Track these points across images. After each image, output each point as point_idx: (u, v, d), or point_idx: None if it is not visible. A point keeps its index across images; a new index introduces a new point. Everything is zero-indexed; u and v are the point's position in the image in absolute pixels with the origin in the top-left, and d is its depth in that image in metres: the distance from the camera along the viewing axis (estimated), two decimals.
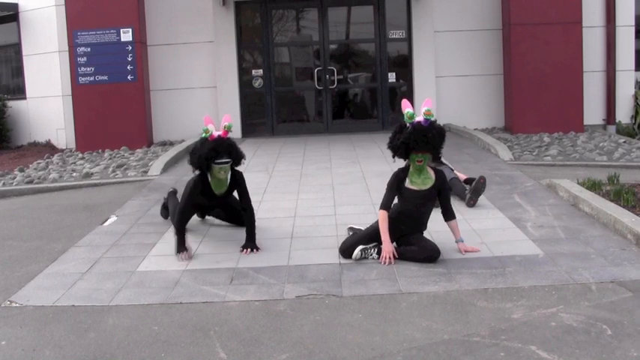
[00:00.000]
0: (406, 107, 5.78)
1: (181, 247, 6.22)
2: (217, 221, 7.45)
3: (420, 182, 5.83)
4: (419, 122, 5.66)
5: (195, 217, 7.35)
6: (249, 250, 6.30)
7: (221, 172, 6.40)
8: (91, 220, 7.91)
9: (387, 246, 5.80)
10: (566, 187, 7.90)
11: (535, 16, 12.94)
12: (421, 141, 5.61)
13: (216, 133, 6.39)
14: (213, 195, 6.64)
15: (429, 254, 5.74)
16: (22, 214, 8.71)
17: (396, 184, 5.89)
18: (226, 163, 6.35)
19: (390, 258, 5.75)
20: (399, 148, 5.75)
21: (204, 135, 6.38)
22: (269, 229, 7.06)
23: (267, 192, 8.97)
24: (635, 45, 14.29)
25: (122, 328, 4.67)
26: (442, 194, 5.94)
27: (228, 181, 6.63)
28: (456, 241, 6.00)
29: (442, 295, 5.06)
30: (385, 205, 5.91)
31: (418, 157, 5.70)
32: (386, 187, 5.97)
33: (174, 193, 7.67)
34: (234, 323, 4.67)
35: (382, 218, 5.88)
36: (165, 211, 7.70)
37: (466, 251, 5.93)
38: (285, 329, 4.54)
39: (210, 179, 6.52)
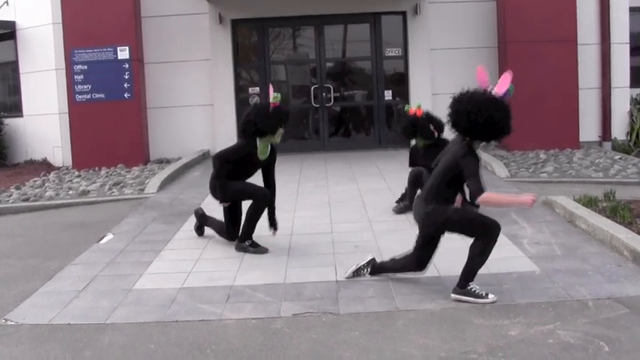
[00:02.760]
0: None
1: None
2: (213, 240, 7.44)
3: None
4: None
5: (191, 234, 7.34)
6: (275, 231, 7.05)
7: (278, 138, 6.94)
8: (88, 237, 7.89)
9: (525, 197, 5.14)
10: (563, 204, 7.91)
11: (531, 34, 13.01)
12: None
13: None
14: (256, 160, 7.00)
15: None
16: (18, 232, 8.70)
17: None
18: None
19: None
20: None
21: (273, 100, 6.95)
22: (266, 246, 7.05)
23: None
24: (630, 62, 14.35)
25: (118, 347, 4.65)
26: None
27: (269, 149, 7.07)
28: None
29: (439, 312, 5.05)
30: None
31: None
32: (474, 173, 5.01)
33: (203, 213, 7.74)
34: (231, 342, 4.66)
35: (495, 195, 5.38)
36: (200, 230, 7.72)
37: None
38: (281, 347, 4.52)
39: (258, 144, 6.89)
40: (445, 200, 5.30)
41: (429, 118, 8.06)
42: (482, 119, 5.00)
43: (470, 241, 5.28)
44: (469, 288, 5.25)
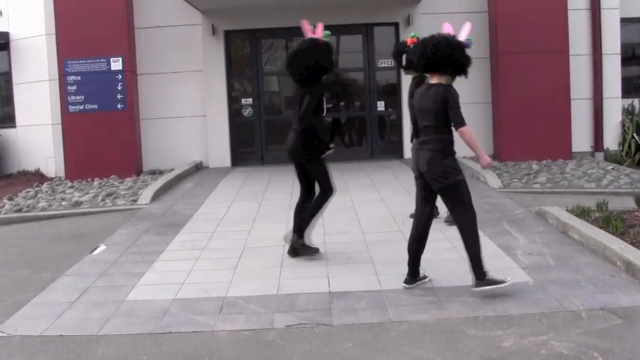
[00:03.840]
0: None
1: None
2: (206, 251, 7.44)
3: None
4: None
5: (184, 245, 7.32)
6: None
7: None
8: (80, 248, 7.87)
9: (487, 157, 5.67)
10: (555, 215, 7.92)
11: (522, 45, 13.06)
12: None
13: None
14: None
15: None
16: (11, 242, 8.67)
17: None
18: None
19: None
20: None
21: (325, 37, 7.53)
22: (259, 257, 7.05)
23: (257, 220, 8.96)
24: (622, 72, 14.42)
25: (111, 358, 4.63)
26: None
27: None
28: None
29: (432, 323, 5.05)
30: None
31: None
32: (456, 105, 5.48)
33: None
34: (224, 353, 4.64)
35: (472, 134, 5.49)
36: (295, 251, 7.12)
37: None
38: (274, 359, 4.51)
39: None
40: (451, 145, 5.60)
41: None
42: (459, 55, 5.59)
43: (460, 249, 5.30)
44: (488, 277, 5.50)
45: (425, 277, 5.95)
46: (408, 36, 8.22)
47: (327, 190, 7.06)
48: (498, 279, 5.51)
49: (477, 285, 5.52)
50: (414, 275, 5.88)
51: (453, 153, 5.60)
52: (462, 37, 5.71)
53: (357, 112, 15.11)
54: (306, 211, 7.00)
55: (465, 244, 5.57)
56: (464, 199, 5.57)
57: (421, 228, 5.81)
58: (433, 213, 6.02)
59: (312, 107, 6.83)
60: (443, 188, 5.55)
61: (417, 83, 7.89)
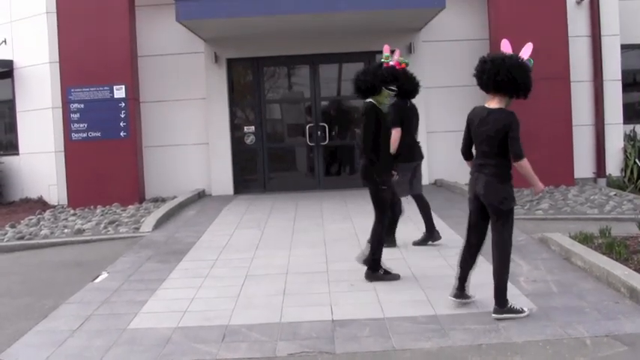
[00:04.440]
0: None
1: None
2: (209, 278, 7.42)
3: None
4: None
5: (187, 273, 7.30)
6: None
7: (386, 98, 7.05)
8: (82, 276, 7.86)
9: (540, 185, 5.82)
10: (559, 241, 7.91)
11: None
12: None
13: (391, 63, 7.36)
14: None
15: None
16: (13, 270, 8.66)
17: None
18: (394, 91, 7.08)
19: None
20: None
21: (383, 60, 7.29)
22: (261, 285, 7.03)
23: (260, 248, 8.95)
24: (623, 99, 14.46)
25: None
26: None
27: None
28: None
29: (435, 351, 5.02)
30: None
31: None
32: (517, 137, 5.71)
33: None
34: None
35: (529, 166, 5.72)
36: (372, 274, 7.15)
37: None
38: None
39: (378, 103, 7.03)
40: (508, 170, 5.71)
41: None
42: (529, 80, 5.70)
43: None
44: (509, 305, 5.61)
45: (470, 296, 6.01)
46: (396, 60, 8.28)
47: (380, 218, 7.12)
48: (518, 308, 5.65)
49: (498, 312, 5.59)
50: (462, 289, 5.97)
51: (510, 178, 5.70)
52: (524, 56, 5.78)
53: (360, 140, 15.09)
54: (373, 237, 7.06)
55: (496, 270, 5.64)
56: (510, 227, 5.69)
57: (474, 249, 5.93)
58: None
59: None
60: (496, 212, 5.64)
61: (400, 107, 8.14)
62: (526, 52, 5.79)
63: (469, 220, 5.94)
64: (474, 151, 5.87)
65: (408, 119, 8.48)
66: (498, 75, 5.54)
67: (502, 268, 5.63)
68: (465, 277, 5.94)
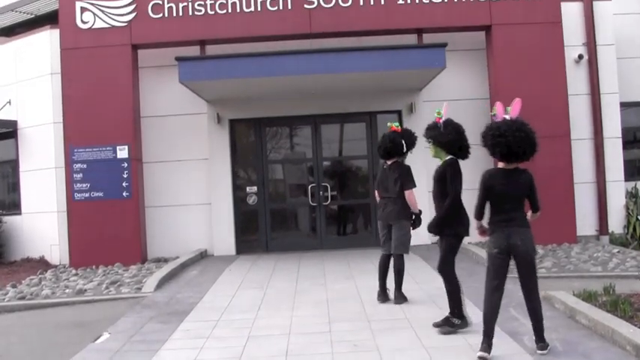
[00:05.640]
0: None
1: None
2: (210, 339, 7.37)
3: None
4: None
5: (189, 334, 7.25)
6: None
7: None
8: (83, 337, 7.80)
9: None
10: (562, 299, 7.87)
11: None
12: None
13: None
14: None
15: None
16: (13, 330, 8.60)
17: None
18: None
19: None
20: None
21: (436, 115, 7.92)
22: (263, 346, 6.98)
23: (262, 309, 8.90)
24: (624, 156, 14.55)
25: None
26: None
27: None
28: None
29: None
30: None
31: None
32: (536, 191, 6.38)
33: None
34: None
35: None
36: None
37: None
38: None
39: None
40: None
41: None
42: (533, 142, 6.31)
43: None
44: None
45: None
46: (392, 124, 8.70)
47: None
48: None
49: (544, 348, 6.18)
50: (490, 345, 6.11)
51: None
52: (514, 113, 6.42)
53: (360, 200, 15.15)
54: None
55: (535, 309, 6.20)
56: (537, 268, 6.32)
57: (497, 300, 6.22)
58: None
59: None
60: (530, 259, 6.15)
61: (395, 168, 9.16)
62: (515, 110, 6.41)
63: (496, 272, 6.25)
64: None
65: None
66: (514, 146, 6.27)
67: (540, 306, 6.24)
68: (491, 331, 6.16)
